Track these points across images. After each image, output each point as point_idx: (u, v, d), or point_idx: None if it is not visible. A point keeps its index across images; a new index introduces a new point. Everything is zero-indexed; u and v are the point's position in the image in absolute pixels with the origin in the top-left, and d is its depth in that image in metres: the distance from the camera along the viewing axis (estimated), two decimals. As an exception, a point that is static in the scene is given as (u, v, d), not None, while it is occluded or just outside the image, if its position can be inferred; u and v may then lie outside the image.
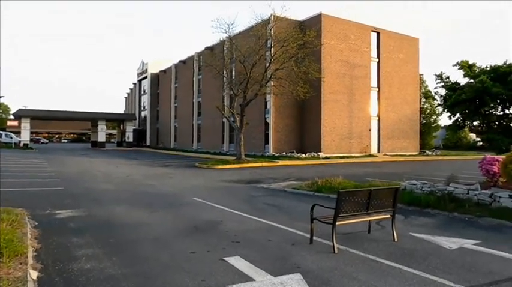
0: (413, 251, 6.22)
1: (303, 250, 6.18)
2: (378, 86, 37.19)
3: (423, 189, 11.09)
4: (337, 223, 6.17)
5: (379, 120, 37.16)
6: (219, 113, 38.09)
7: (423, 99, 44.26)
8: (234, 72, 32.96)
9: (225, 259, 5.59)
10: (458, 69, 11.28)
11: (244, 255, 5.77)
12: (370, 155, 34.44)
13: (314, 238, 6.65)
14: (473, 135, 59.29)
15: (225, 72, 31.02)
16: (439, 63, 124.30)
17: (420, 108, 42.19)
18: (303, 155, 31.49)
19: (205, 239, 6.74)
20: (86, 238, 6.74)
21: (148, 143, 62.13)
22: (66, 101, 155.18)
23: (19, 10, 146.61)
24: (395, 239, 6.80)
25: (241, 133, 27.61)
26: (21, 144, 51.38)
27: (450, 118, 11.61)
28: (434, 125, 44.87)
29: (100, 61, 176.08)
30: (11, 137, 54.76)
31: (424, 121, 44.27)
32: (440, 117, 45.23)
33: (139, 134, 63.70)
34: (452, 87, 10.91)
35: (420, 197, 10.21)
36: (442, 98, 11.39)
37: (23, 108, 56.77)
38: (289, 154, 32.48)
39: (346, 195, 6.17)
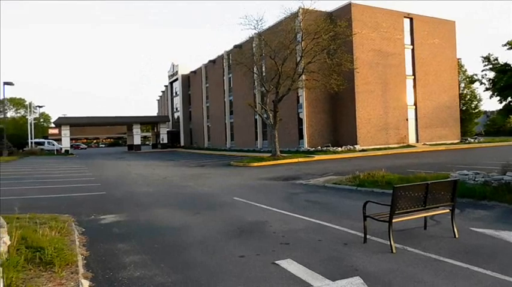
0: (479, 248, 5.71)
1: (357, 250, 5.80)
2: (414, 74, 35.86)
3: (476, 179, 10.40)
4: (393, 221, 5.75)
5: (416, 109, 35.87)
6: (251, 110, 38.06)
7: (462, 85, 42.41)
8: (264, 69, 32.70)
9: (276, 262, 5.31)
10: (508, 49, 10.46)
11: (296, 257, 5.46)
12: (409, 146, 33.28)
13: (367, 236, 6.25)
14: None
15: (255, 69, 30.79)
16: (480, 46, 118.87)
17: (459, 94, 40.43)
18: (339, 148, 30.85)
19: (252, 242, 6.48)
20: (132, 243, 6.63)
21: (182, 143, 62.92)
22: (101, 108, 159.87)
23: (52, 21, 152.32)
24: (456, 236, 6.30)
25: (275, 129, 27.31)
26: (62, 150, 53.26)
27: (501, 102, 10.85)
28: (476, 111, 42.91)
29: (132, 66, 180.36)
30: (53, 145, 56.96)
31: (464, 107, 42.40)
32: (481, 102, 43.25)
33: (173, 136, 64.61)
34: (502, 70, 10.11)
35: (474, 188, 9.55)
36: (490, 81, 10.61)
37: (63, 116, 58.89)
38: (325, 148, 31.89)
39: (402, 190, 5.74)
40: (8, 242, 5.04)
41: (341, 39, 26.27)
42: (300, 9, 28.26)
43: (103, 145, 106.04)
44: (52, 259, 5.03)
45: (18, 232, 5.81)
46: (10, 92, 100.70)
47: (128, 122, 62.30)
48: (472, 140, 38.59)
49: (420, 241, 6.13)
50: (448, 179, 6.93)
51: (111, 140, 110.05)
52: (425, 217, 6.63)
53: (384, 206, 6.21)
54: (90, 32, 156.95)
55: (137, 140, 59.31)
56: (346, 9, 32.75)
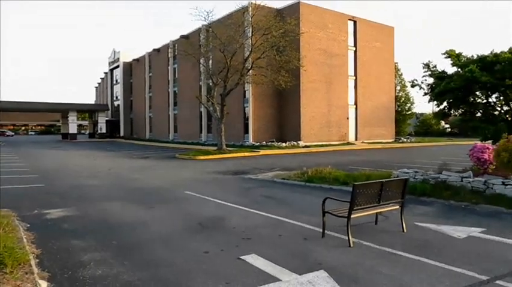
0: (426, 242, 6.18)
1: (317, 244, 6.03)
2: (355, 75, 37.49)
3: (416, 177, 11.17)
4: (352, 216, 6.05)
5: (356, 109, 37.56)
6: (196, 102, 37.62)
7: (398, 87, 45.11)
8: (212, 62, 32.43)
9: (242, 257, 5.37)
10: (445, 57, 11.43)
11: (260, 252, 5.56)
12: (349, 143, 34.82)
13: (325, 231, 6.52)
14: (442, 123, 61.12)
15: (202, 61, 30.44)
16: (417, 53, 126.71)
17: (395, 96, 42.94)
18: (283, 144, 31.47)
19: (214, 237, 6.48)
20: (87, 240, 6.35)
21: (122, 134, 60.64)
22: (31, 92, 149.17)
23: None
24: (405, 230, 6.76)
25: (222, 123, 27.25)
26: (-13, 137, 49.16)
27: (438, 106, 11.89)
28: (409, 112, 45.86)
29: (69, 50, 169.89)
30: (-26, 130, 52.32)
31: (399, 109, 45.17)
32: (414, 105, 46.33)
33: (113, 125, 62.07)
34: (440, 76, 11.05)
35: (415, 186, 10.26)
36: (429, 86, 11.57)
37: (-12, 100, 54.12)
38: (269, 143, 32.39)
39: (361, 187, 6.05)
40: None
41: (290, 37, 26.76)
42: (251, 4, 28.33)
43: (33, 133, 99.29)
44: (3, 258, 4.68)
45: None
46: None
47: (63, 109, 58.83)
48: (405, 140, 41.24)
49: (374, 235, 6.51)
50: (400, 178, 7.40)
51: (43, 127, 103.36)
52: (377, 213, 7.04)
53: (340, 202, 6.52)
54: (29, 7, 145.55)
55: (73, 129, 56.26)
56: (295, 7, 33.36)
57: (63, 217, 8.17)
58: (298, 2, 33.33)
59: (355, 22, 37.44)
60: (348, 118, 36.62)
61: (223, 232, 6.87)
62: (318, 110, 34.16)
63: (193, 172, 17.00)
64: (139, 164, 20.75)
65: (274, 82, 26.94)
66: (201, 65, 31.44)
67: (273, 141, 32.91)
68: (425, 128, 57.55)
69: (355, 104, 37.58)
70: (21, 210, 8.65)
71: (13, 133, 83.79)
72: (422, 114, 59.28)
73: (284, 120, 34.87)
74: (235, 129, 35.06)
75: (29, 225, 7.29)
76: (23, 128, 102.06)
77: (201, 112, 41.40)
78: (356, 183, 6.09)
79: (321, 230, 6.50)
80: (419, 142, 39.64)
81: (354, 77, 37.49)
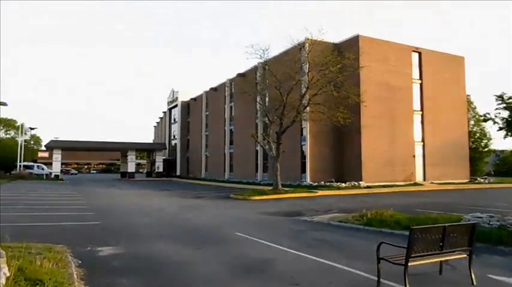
0: (499, 297, 5.69)
1: (371, 294, 5.76)
2: (422, 109, 36.38)
3: (491, 223, 10.40)
4: (409, 264, 5.75)
5: (423, 146, 36.14)
6: (251, 141, 38.30)
7: (471, 122, 42.89)
8: (268, 99, 33.19)
9: (287, 305, 5.27)
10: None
11: (307, 300, 5.43)
12: (416, 184, 33.30)
13: (380, 280, 6.23)
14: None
15: (258, 98, 31.29)
16: (488, 83, 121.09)
17: (469, 131, 40.85)
18: (343, 184, 30.83)
19: (261, 282, 6.44)
20: (133, 278, 6.59)
21: (178, 173, 62.86)
22: (95, 132, 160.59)
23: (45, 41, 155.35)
24: (474, 283, 6.27)
25: (278, 162, 27.42)
26: (52, 175, 53.13)
27: (517, 142, 11.24)
28: (486, 149, 43.14)
29: (129, 90, 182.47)
30: (43, 169, 56.78)
31: (474, 146, 42.71)
32: (491, 141, 43.56)
33: (169, 164, 64.67)
34: (517, 109, 10.31)
35: (490, 232, 9.54)
36: (504, 120, 10.77)
37: (55, 139, 59.04)
38: (328, 183, 31.88)
39: (419, 232, 5.78)
40: (7, 274, 5.03)
41: (348, 72, 26.85)
42: (307, 40, 28.98)
43: (94, 171, 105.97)
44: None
45: (16, 263, 5.80)
46: (2, 112, 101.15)
47: (122, 148, 62.48)
48: (482, 180, 38.64)
49: (436, 287, 6.11)
50: (466, 223, 6.97)
51: (103, 166, 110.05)
52: (441, 261, 6.63)
53: (398, 248, 6.22)
54: (89, 53, 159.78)
55: (131, 168, 59.33)
56: (354, 41, 33.59)
57: (114, 254, 8.56)
58: (358, 36, 33.56)
59: (419, 53, 36.77)
60: (414, 156, 35.26)
61: (270, 276, 6.79)
62: (380, 148, 33.30)
63: (246, 212, 17.12)
64: (192, 203, 21.30)
65: (332, 119, 26.87)
66: (257, 103, 32.28)
67: (332, 182, 32.36)
68: (506, 167, 53.62)
69: (422, 140, 36.21)
70: (76, 246, 9.19)
71: (76, 171, 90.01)
72: (503, 151, 55.41)
73: (344, 159, 34.32)
74: (291, 169, 35.01)
75: (80, 261, 7.72)
76: (86, 166, 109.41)
77: (256, 151, 42.00)
78: (414, 227, 5.83)
79: (376, 278, 6.23)
80: (499, 183, 36.96)
81: (420, 112, 36.36)
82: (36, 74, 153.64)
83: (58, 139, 59.27)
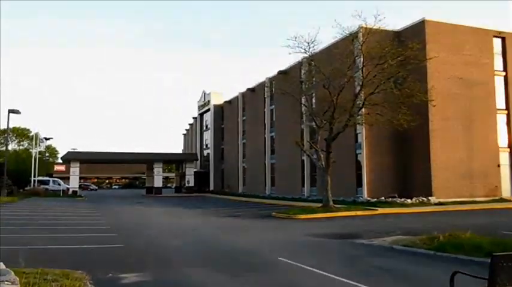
0: None
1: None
2: (507, 108, 35.02)
3: None
4: (493, 300, 5.52)
5: (511, 153, 34.75)
6: (297, 150, 38.25)
7: None
8: (315, 100, 33.12)
9: None
10: None
11: None
12: (502, 200, 32.00)
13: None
14: None
15: (304, 100, 31.31)
16: None
17: None
18: (408, 200, 30.14)
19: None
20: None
21: (212, 187, 63.71)
22: (117, 142, 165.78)
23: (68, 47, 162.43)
24: None
25: (328, 174, 27.23)
26: (70, 191, 55.25)
27: None
28: None
29: (154, 94, 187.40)
30: (59, 184, 59.17)
31: None
32: None
33: (201, 178, 65.68)
34: None
35: None
36: None
37: (72, 151, 61.44)
38: (390, 199, 31.25)
39: (504, 259, 5.53)
40: (22, 302, 5.27)
41: (412, 65, 26.29)
42: (361, 29, 28.70)
43: (116, 186, 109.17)
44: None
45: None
46: (14, 121, 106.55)
47: (147, 160, 64.12)
48: None
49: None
50: None
51: (126, 180, 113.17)
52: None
53: (477, 280, 5.99)
54: (108, 57, 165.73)
55: (158, 182, 60.72)
56: (419, 27, 32.94)
57: (138, 282, 8.77)
58: (423, 20, 32.87)
59: (503, 39, 35.42)
60: (499, 166, 33.96)
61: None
62: (454, 156, 32.29)
63: (291, 233, 17.08)
64: (228, 223, 21.51)
65: (393, 122, 26.39)
66: (302, 105, 32.27)
67: (394, 197, 31.69)
68: None
69: (509, 146, 34.85)
70: (96, 272, 9.48)
71: (96, 187, 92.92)
72: None
73: (408, 170, 33.56)
74: (344, 182, 34.62)
75: (101, 290, 7.97)
76: (107, 181, 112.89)
77: (302, 161, 41.88)
78: (498, 254, 5.60)
79: (451, 316, 6.02)
80: None
81: (506, 111, 35.01)
82: (52, 77, 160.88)
83: (76, 150, 61.62)
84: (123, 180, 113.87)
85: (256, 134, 53.10)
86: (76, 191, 55.25)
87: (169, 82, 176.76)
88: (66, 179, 59.75)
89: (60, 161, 72.03)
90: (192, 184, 62.85)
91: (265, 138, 50.72)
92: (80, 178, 64.61)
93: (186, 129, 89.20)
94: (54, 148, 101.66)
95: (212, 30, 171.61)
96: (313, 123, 30.28)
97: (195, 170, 65.87)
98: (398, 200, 30.55)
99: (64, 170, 64.14)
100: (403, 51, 26.25)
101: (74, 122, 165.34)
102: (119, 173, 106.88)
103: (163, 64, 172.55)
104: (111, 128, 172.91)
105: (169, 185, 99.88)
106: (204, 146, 70.51)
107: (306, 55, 28.97)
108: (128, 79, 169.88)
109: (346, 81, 26.72)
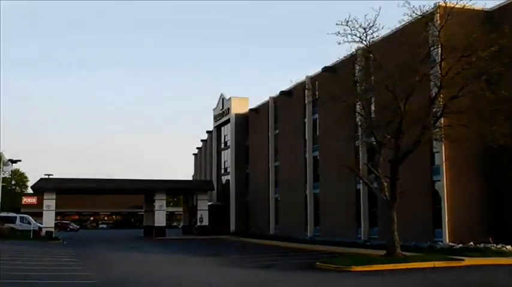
0: None
1: None
2: None
3: None
4: None
5: None
6: (350, 176, 38.00)
7: None
8: (374, 107, 32.80)
9: None
10: None
11: None
12: None
13: None
14: None
15: (359, 107, 31.01)
16: None
17: None
18: (508, 247, 29.49)
19: None
20: None
21: (232, 227, 63.50)
22: (105, 166, 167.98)
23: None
24: None
25: (394, 209, 26.76)
26: (43, 232, 55.54)
27: None
28: None
29: (155, 101, 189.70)
30: (29, 222, 59.36)
31: None
32: None
33: (219, 214, 65.70)
34: None
35: None
36: None
37: (46, 177, 62.26)
38: (482, 244, 30.60)
39: None
40: None
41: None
42: (439, 8, 28.34)
43: (104, 225, 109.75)
44: None
45: None
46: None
47: (146, 190, 64.52)
48: None
49: None
50: None
51: (118, 217, 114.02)
52: None
53: None
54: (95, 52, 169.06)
55: (160, 219, 61.06)
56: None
57: None
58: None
59: None
60: None
61: None
62: None
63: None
64: (255, 277, 21.23)
65: (485, 136, 25.86)
66: (357, 114, 31.95)
67: (488, 242, 31.01)
68: None
69: None
70: None
71: (78, 226, 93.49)
72: None
73: (507, 204, 32.85)
74: (417, 221, 34.06)
75: None
76: (92, 218, 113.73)
77: (358, 191, 41.36)
78: None
79: None
80: None
81: None
82: (21, 86, 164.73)
83: (51, 177, 62.36)
84: (114, 217, 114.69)
85: (293, 154, 52.90)
86: (51, 232, 55.55)
87: (174, 85, 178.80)
88: (39, 215, 60.10)
89: (30, 191, 72.79)
90: (205, 222, 62.90)
91: (305, 159, 50.41)
92: (57, 214, 65.04)
93: (197, 148, 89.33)
94: (23, 174, 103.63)
95: (228, 19, 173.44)
96: (373, 138, 29.91)
97: (209, 203, 65.88)
98: (493, 246, 29.89)
99: (36, 203, 64.68)
100: (499, 39, 25.78)
101: (49, 141, 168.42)
102: (108, 208, 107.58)
103: (165, 62, 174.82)
104: (98, 149, 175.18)
105: (175, 224, 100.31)
106: (222, 171, 70.64)
107: (361, 45, 28.74)
108: (121, 82, 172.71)
109: (417, 80, 26.28)
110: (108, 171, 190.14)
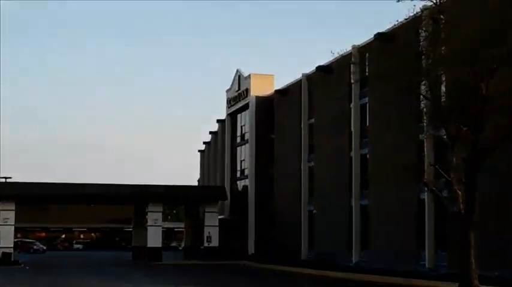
0: None
1: None
2: None
3: None
4: None
5: None
6: (409, 181, 37.50)
7: None
8: (444, 88, 32.42)
9: None
10: None
11: None
12: None
13: None
14: None
15: (423, 87, 30.63)
16: None
17: None
18: None
19: None
20: None
21: (251, 249, 63.41)
22: (82, 167, 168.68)
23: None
24: None
25: (471, 228, 26.51)
26: (-1, 254, 55.74)
27: None
28: None
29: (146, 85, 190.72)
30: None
31: None
32: None
33: (232, 231, 65.64)
34: None
35: None
36: None
37: (3, 181, 62.55)
38: None
39: None
40: None
41: None
42: None
43: (80, 246, 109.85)
44: None
45: None
46: None
47: (136, 197, 64.23)
48: None
49: None
50: None
51: (98, 235, 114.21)
52: None
53: None
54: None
55: (155, 238, 60.99)
56: None
57: None
58: None
59: None
60: None
61: None
62: None
63: None
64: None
65: None
66: (420, 97, 31.59)
67: None
68: None
69: None
70: None
71: (44, 247, 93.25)
72: None
73: None
74: (501, 242, 33.78)
75: None
76: (63, 236, 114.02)
77: (421, 202, 41.01)
78: None
79: None
80: None
81: None
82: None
83: (9, 181, 62.57)
84: (93, 234, 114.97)
85: (334, 152, 52.71)
86: (9, 254, 55.58)
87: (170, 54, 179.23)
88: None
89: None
90: (215, 242, 62.82)
91: (350, 158, 50.12)
92: (17, 230, 65.37)
93: (204, 143, 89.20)
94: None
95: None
96: (443, 131, 29.62)
97: (221, 217, 65.84)
98: None
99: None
100: None
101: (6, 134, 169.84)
102: (85, 223, 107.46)
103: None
104: (75, 143, 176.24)
105: (174, 244, 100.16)
106: (238, 174, 70.64)
107: (429, 3, 28.48)
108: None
109: (507, 50, 25.91)
110: (89, 175, 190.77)
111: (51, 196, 64.63)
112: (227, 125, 73.75)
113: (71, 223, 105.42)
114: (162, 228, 64.91)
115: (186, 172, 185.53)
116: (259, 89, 65.44)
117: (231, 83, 71.81)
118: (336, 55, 44.72)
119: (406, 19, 32.18)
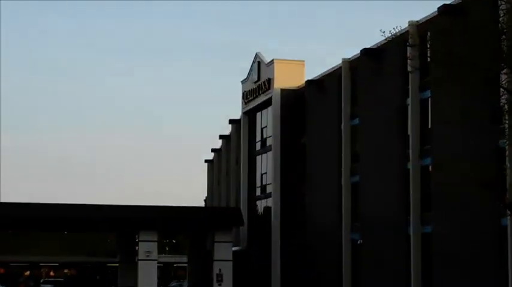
0: None
1: None
2: None
3: None
4: None
5: None
6: (488, 201, 37.42)
7: None
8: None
9: None
10: None
11: None
12: None
13: None
14: None
15: (504, 77, 30.61)
16: None
17: None
18: None
19: None
20: None
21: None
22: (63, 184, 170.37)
23: None
24: None
25: None
26: None
27: None
28: None
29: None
30: None
31: None
32: None
33: (250, 267, 65.68)
34: None
35: None
36: None
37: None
38: None
39: None
40: None
41: None
42: None
43: (50, 285, 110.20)
44: None
45: None
46: None
47: (124, 223, 64.55)
48: None
49: None
50: None
51: (73, 271, 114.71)
52: None
53: None
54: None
55: (148, 277, 61.33)
56: None
57: None
58: None
59: None
60: None
61: None
62: None
63: None
64: None
65: None
66: (501, 91, 31.54)
67: None
68: None
69: None
70: None
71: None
72: None
73: None
74: None
75: None
76: (27, 273, 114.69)
77: (503, 229, 40.80)
78: None
79: None
80: None
81: None
82: None
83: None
84: (67, 271, 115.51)
85: (384, 163, 52.78)
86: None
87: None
88: None
89: None
90: (228, 282, 62.92)
91: (408, 172, 50.10)
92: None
93: (213, 151, 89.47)
94: None
95: None
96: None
97: (235, 248, 66.01)
98: None
99: None
100: None
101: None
102: (56, 255, 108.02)
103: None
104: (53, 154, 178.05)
105: (173, 284, 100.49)
106: (258, 191, 70.70)
107: None
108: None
109: None
110: (67, 187, 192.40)
111: (10, 219, 64.61)
112: (243, 126, 73.77)
113: (38, 255, 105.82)
114: (158, 263, 65.01)
115: (188, 189, 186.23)
116: (285, 79, 65.31)
117: (248, 73, 71.48)
118: (388, 35, 44.75)
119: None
